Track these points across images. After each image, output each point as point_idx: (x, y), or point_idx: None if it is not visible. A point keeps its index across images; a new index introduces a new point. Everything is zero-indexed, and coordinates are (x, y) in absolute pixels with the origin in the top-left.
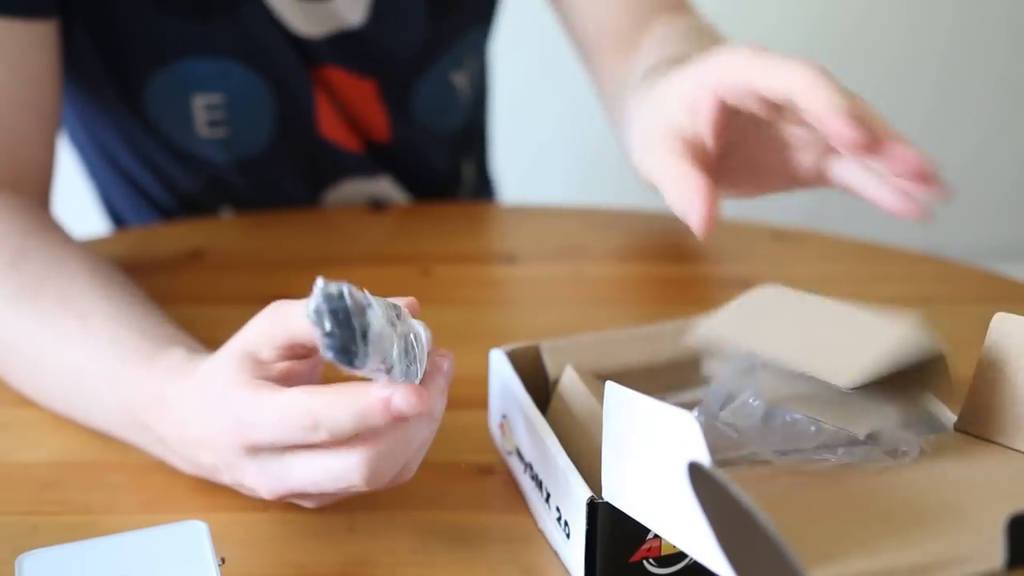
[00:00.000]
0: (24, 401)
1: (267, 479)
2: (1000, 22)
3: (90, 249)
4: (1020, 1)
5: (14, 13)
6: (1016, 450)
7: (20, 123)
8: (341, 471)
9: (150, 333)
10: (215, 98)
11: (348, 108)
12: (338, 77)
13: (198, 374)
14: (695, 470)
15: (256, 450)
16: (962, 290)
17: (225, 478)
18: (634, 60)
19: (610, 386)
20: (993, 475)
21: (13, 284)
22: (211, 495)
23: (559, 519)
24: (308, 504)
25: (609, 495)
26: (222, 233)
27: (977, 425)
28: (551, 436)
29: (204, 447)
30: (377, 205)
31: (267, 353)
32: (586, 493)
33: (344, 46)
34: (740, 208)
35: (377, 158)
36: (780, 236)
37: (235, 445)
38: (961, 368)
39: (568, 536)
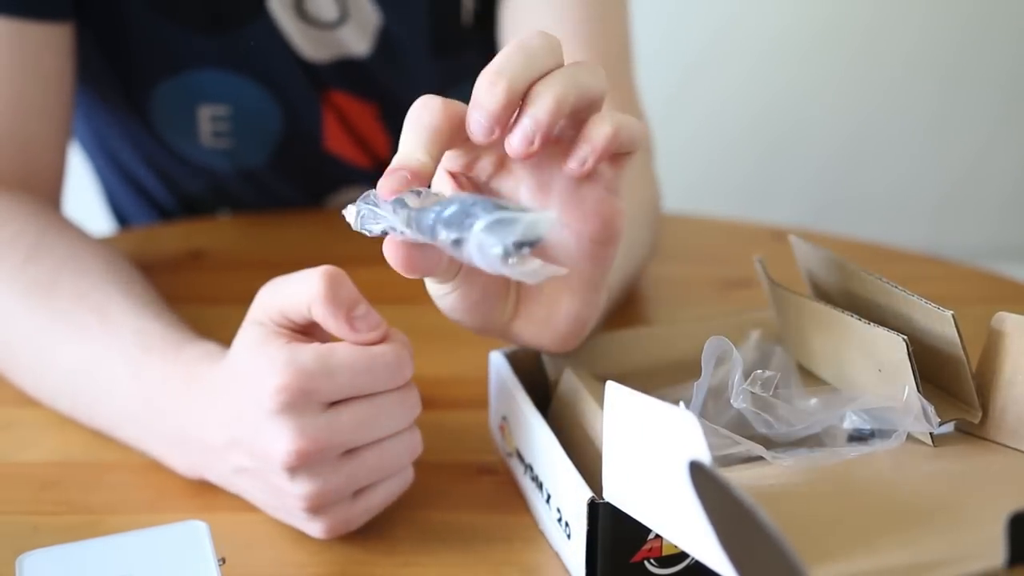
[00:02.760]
0: (25, 401)
1: (301, 436)
2: (1005, 24)
3: (106, 246)
4: None
5: (29, 14)
6: (1017, 450)
7: (32, 124)
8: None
9: (175, 327)
10: (221, 110)
11: (355, 128)
12: (344, 101)
13: (229, 355)
14: (696, 469)
15: (307, 397)
16: (962, 290)
17: (235, 457)
18: None
19: (611, 385)
20: (992, 474)
21: (27, 279)
22: (212, 495)
23: (560, 520)
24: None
25: (610, 495)
26: (222, 233)
27: (978, 425)
28: (551, 437)
29: (229, 415)
30: None
31: (274, 322)
32: (587, 493)
33: (349, 73)
34: (740, 208)
35: (383, 172)
36: (780, 236)
37: (281, 388)
38: None
39: (569, 537)
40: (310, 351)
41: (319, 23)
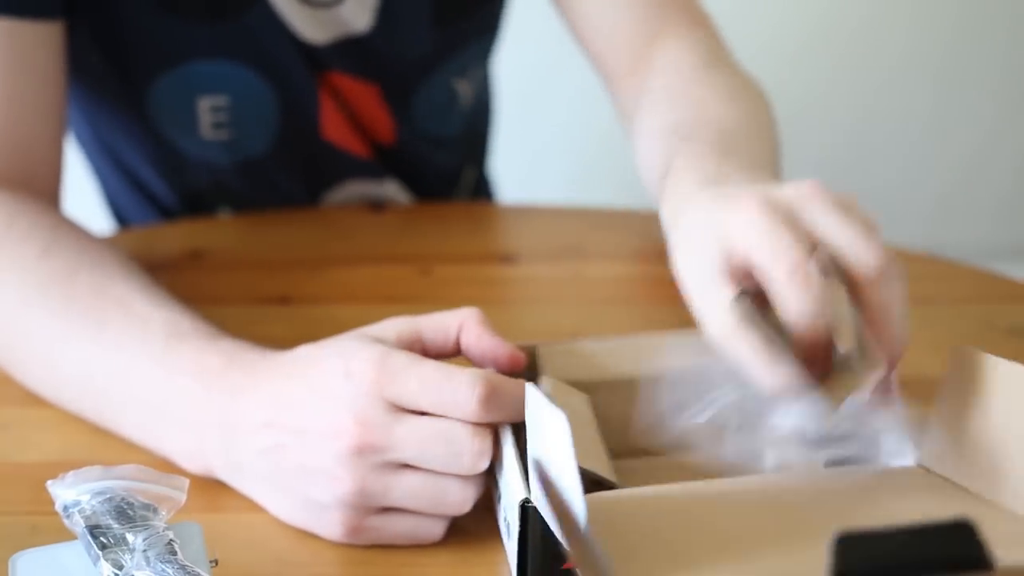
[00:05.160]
0: (25, 401)
1: (362, 424)
2: (1000, 23)
3: (115, 246)
4: (1020, 1)
5: (21, 13)
6: (965, 490)
7: (30, 123)
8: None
9: (203, 321)
10: (220, 100)
11: (354, 112)
12: (343, 82)
13: (303, 348)
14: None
15: (386, 390)
16: (962, 290)
17: (272, 435)
18: (645, 88)
19: (529, 386)
20: (897, 503)
21: (44, 272)
22: (211, 495)
23: (504, 519)
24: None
25: (533, 497)
26: (222, 233)
27: (933, 461)
28: (507, 434)
29: (283, 394)
30: (377, 205)
31: (391, 340)
32: (521, 494)
33: (349, 52)
34: None
35: (383, 162)
36: None
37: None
38: None
39: (509, 536)
40: (403, 354)
41: (319, 3)
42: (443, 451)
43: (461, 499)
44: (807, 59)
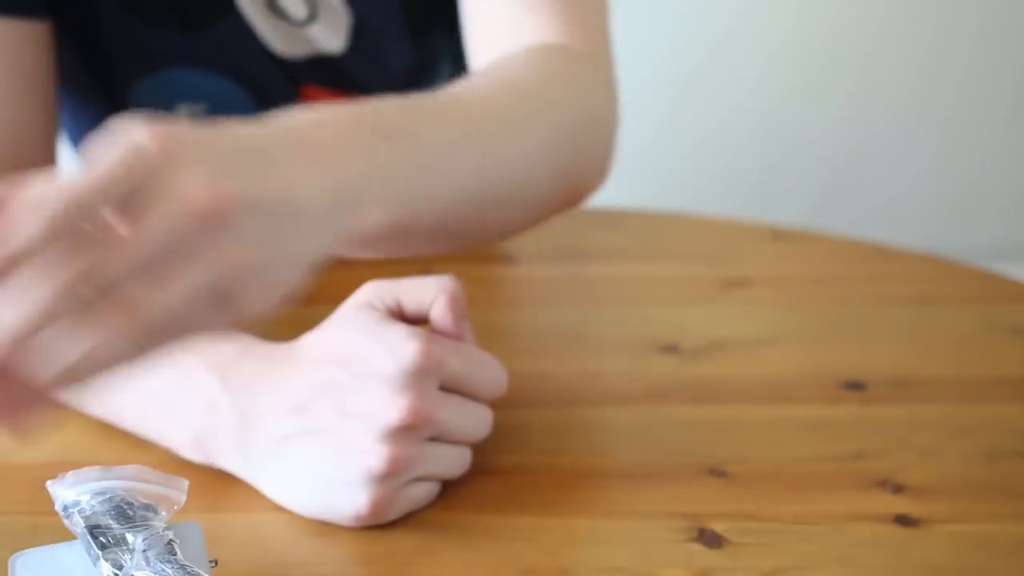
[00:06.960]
0: None
1: (422, 398)
2: (1011, 25)
3: None
4: None
5: (7, 12)
6: None
7: (23, 123)
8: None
9: None
10: (199, 109)
11: None
12: (321, 95)
13: (325, 330)
14: None
15: (439, 367)
16: (962, 290)
17: (302, 419)
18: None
19: None
20: None
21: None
22: (211, 495)
23: None
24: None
25: None
26: None
27: None
28: None
29: (310, 379)
30: None
31: (386, 307)
32: None
33: (325, 70)
34: (740, 208)
35: None
36: (780, 236)
37: (421, 351)
38: (956, 368)
39: None
40: (439, 338)
41: (289, 20)
42: (470, 425)
43: (467, 461)
44: (818, 61)
